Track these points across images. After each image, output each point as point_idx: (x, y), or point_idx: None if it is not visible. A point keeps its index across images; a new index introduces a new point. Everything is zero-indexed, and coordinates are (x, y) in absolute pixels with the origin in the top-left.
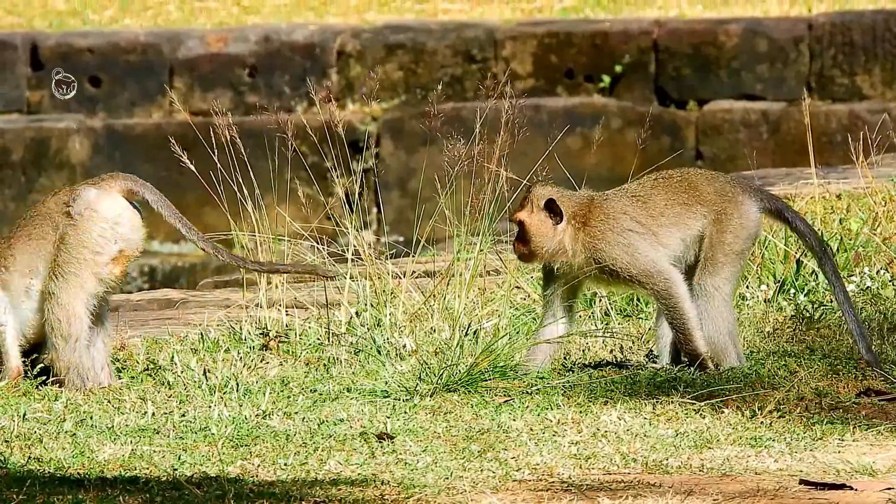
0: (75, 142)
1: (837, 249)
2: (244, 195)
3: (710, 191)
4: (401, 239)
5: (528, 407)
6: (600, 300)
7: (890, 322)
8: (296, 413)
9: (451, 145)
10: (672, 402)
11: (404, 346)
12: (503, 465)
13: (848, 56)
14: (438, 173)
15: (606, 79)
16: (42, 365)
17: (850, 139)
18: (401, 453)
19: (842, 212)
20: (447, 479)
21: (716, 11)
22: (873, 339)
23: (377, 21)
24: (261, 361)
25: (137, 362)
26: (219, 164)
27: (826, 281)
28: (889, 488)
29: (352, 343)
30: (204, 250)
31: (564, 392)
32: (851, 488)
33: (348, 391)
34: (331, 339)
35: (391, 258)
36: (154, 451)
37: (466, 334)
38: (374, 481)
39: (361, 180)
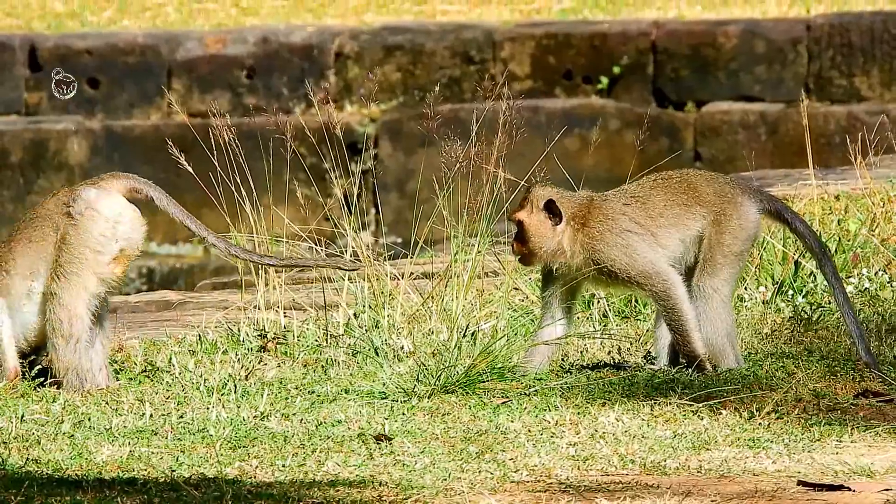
0: (74, 143)
1: (836, 250)
2: (242, 196)
3: (710, 192)
4: (399, 240)
5: (526, 408)
6: (598, 302)
7: (888, 323)
8: (294, 414)
9: (449, 147)
10: (670, 403)
11: (402, 348)
12: (501, 467)
13: (846, 57)
14: (437, 174)
15: (605, 80)
16: (40, 366)
17: (848, 140)
18: (399, 455)
19: (840, 213)
20: (445, 480)
21: (714, 12)
22: (871, 340)
23: (375, 22)
24: (259, 363)
25: (135, 364)
26: (217, 166)
27: (825, 282)
28: (887, 489)
29: (350, 344)
30: (214, 246)
31: (562, 393)
32: (849, 489)
33: (346, 393)
34: (329, 341)
35: (389, 259)
36: (152, 453)
37: (464, 336)
38: (372, 483)
39: (360, 181)
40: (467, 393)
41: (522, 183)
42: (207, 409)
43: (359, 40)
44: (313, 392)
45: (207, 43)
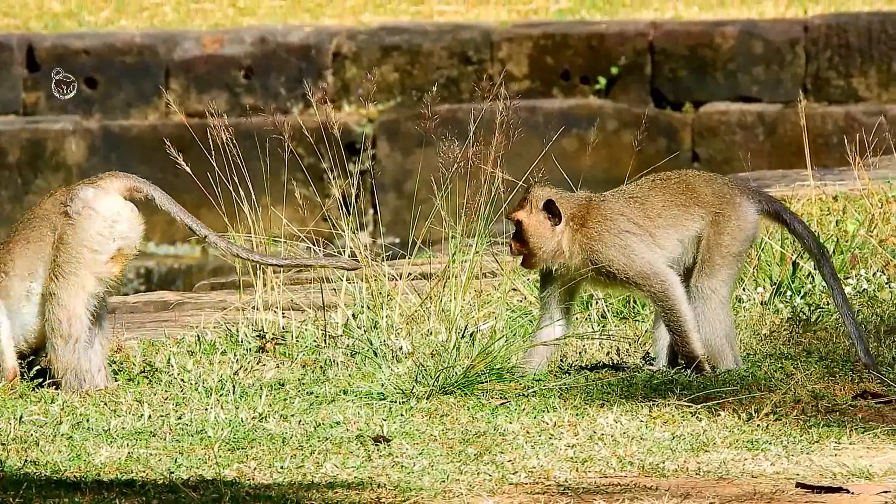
0: (71, 143)
1: (834, 251)
2: (240, 197)
3: (708, 192)
4: (397, 241)
5: (524, 409)
6: (597, 302)
7: (886, 324)
8: (292, 416)
9: (447, 147)
10: (669, 404)
11: (401, 349)
12: (499, 468)
13: (844, 58)
14: (434, 175)
15: (602, 80)
16: (38, 367)
17: (846, 141)
18: (397, 456)
19: (838, 214)
20: (443, 482)
21: (712, 13)
22: (870, 341)
23: (373, 23)
24: (257, 364)
25: (134, 364)
26: (215, 166)
27: (824, 283)
28: (885, 491)
29: (348, 345)
30: (215, 245)
31: (561, 394)
32: (848, 491)
33: (345, 394)
34: (327, 342)
35: (387, 260)
36: (150, 454)
37: (463, 336)
38: (371, 484)
39: (357, 182)
40: (466, 394)
41: (520, 183)
42: (206, 410)
43: (356, 40)
44: (312, 393)
45: (205, 43)
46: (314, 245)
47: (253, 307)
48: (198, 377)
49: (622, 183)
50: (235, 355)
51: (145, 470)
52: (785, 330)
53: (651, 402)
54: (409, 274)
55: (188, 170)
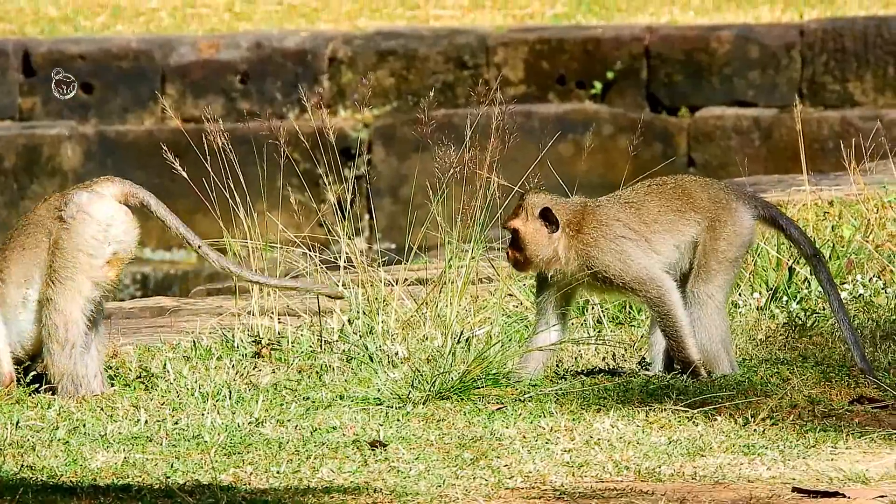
0: (67, 148)
1: (830, 257)
2: (236, 202)
3: (704, 197)
4: (393, 246)
5: (520, 414)
6: (593, 308)
7: (882, 329)
8: (288, 421)
9: (443, 152)
10: (665, 409)
11: (397, 354)
12: (496, 473)
13: (840, 62)
14: (430, 180)
15: (598, 85)
16: (35, 372)
17: (842, 146)
18: (393, 461)
19: (834, 219)
20: (440, 486)
21: (707, 18)
22: (866, 346)
23: (369, 27)
24: (253, 369)
25: (130, 370)
26: (211, 171)
27: (820, 288)
28: (882, 496)
29: (344, 351)
30: (206, 256)
31: (557, 399)
32: (844, 496)
33: (341, 399)
34: (323, 347)
35: (383, 265)
36: (147, 459)
37: (459, 342)
38: (367, 489)
39: (353, 187)
40: (462, 399)
41: (516, 189)
42: (202, 415)
43: (352, 45)
44: (308, 398)
45: (201, 48)
46: (310, 251)
47: (249, 312)
48: (194, 382)
49: (618, 188)
50: (231, 361)
51: (141, 475)
52: (781, 335)
53: (647, 407)
54: (405, 279)
55: (184, 175)
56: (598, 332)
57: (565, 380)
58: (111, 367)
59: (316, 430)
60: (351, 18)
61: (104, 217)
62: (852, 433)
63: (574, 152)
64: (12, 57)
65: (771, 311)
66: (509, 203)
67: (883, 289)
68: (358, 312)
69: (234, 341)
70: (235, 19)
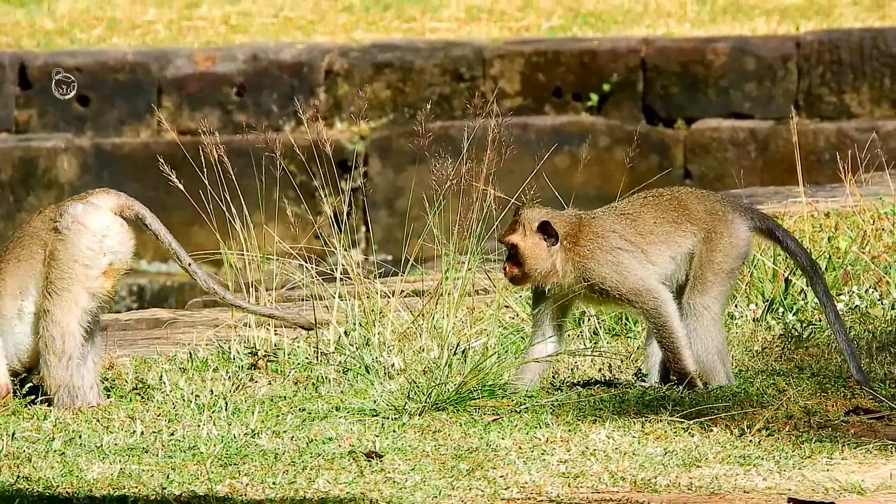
0: (63, 161)
1: (826, 268)
2: (232, 214)
3: (701, 209)
4: (389, 258)
5: (516, 425)
6: (589, 319)
7: (878, 341)
8: (284, 432)
9: (440, 164)
10: (661, 420)
11: (393, 365)
12: (492, 484)
13: (836, 74)
14: (427, 192)
15: (594, 97)
16: (31, 384)
17: (838, 157)
18: (389, 472)
19: (830, 230)
20: (436, 497)
21: (703, 30)
22: (862, 357)
23: (365, 40)
24: (249, 380)
25: (126, 381)
26: (207, 184)
27: (816, 300)
28: None
29: (340, 362)
30: (195, 275)
31: (553, 410)
32: None
33: (337, 410)
34: (319, 358)
35: (380, 277)
36: (143, 470)
37: (455, 353)
38: (363, 500)
39: (350, 199)
40: (458, 410)
41: (513, 201)
42: (198, 426)
43: (348, 58)
44: (304, 409)
45: (197, 60)
46: (306, 263)
47: (245, 324)
48: (190, 394)
49: (614, 200)
50: (228, 372)
51: (137, 486)
52: (777, 346)
53: (643, 418)
54: (402, 291)
55: (181, 187)
56: (595, 343)
57: (561, 391)
58: (107, 379)
59: (312, 441)
60: (347, 31)
61: (99, 228)
62: (848, 444)
63: (570, 164)
64: (8, 70)
65: (767, 322)
66: (506, 215)
67: (879, 300)
68: (354, 324)
69: (230, 353)
70: (232, 32)
